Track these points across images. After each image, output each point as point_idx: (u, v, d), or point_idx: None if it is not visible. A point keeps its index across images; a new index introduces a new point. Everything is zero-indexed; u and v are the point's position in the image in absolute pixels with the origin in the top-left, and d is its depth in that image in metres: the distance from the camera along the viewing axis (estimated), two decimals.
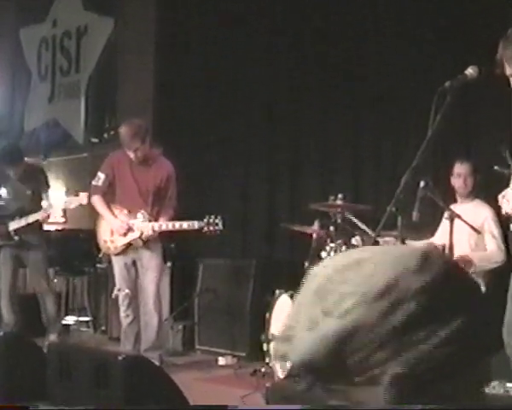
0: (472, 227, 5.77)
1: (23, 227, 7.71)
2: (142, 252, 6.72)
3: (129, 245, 6.71)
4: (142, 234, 6.63)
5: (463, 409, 1.25)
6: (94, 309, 9.23)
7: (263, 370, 6.31)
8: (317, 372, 1.25)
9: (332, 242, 6.04)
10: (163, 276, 7.19)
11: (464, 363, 1.24)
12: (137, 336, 6.77)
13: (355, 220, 6.06)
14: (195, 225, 6.48)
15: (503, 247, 6.02)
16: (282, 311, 6.35)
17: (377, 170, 7.56)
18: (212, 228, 6.46)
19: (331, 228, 6.11)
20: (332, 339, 1.22)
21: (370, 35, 7.65)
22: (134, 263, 6.78)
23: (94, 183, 6.86)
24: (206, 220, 6.45)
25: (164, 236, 6.84)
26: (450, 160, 6.47)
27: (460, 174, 6.32)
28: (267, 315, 6.47)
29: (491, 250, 6.14)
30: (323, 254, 6.07)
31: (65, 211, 9.65)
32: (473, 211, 6.17)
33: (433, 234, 6.43)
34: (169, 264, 7.88)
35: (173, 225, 6.58)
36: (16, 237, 7.74)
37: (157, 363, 5.87)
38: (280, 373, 6.23)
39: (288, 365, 1.36)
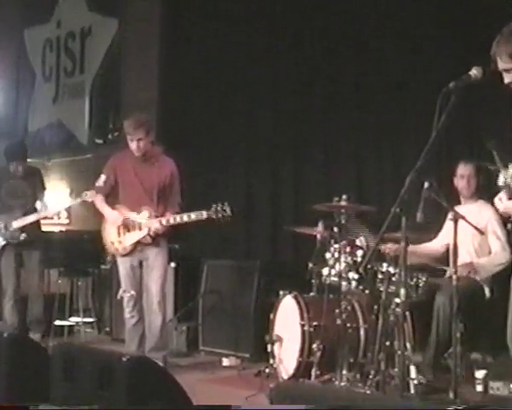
0: (476, 228, 5.77)
1: (25, 226, 7.74)
2: (148, 252, 6.72)
3: (137, 244, 6.70)
4: (150, 230, 6.62)
5: (463, 409, 1.26)
6: (98, 310, 9.24)
7: (267, 371, 6.32)
8: None
9: (336, 243, 6.04)
10: (167, 276, 7.18)
11: None
12: (142, 338, 6.77)
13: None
14: (204, 214, 6.44)
15: (507, 247, 6.02)
16: (286, 312, 6.36)
17: (381, 171, 7.55)
18: (220, 215, 6.44)
19: (335, 229, 6.10)
20: None
21: (373, 35, 7.63)
22: (140, 264, 6.77)
23: (96, 184, 6.90)
24: (213, 209, 6.43)
25: (169, 236, 6.83)
26: (454, 161, 6.47)
27: (463, 175, 6.32)
28: (271, 316, 6.48)
29: (495, 252, 6.14)
30: (327, 255, 6.07)
31: (69, 212, 9.71)
32: (476, 212, 6.16)
33: (436, 235, 6.43)
34: (173, 265, 7.88)
35: (181, 218, 6.55)
36: (23, 235, 7.76)
37: (161, 364, 5.87)
38: (284, 374, 6.24)
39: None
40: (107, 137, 10.85)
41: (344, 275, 5.93)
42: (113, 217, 6.74)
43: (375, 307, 5.83)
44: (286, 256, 8.19)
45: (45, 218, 8.02)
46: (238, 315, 7.52)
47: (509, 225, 3.97)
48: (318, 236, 6.30)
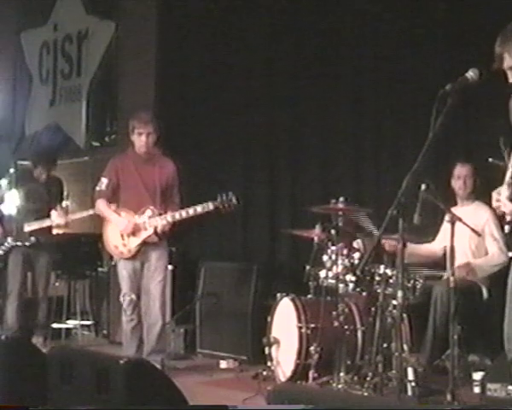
0: (473, 230, 5.78)
1: (36, 230, 7.78)
2: (151, 253, 6.70)
3: (143, 245, 6.69)
4: (156, 228, 6.61)
5: (463, 409, 1.26)
6: (96, 313, 9.23)
7: (264, 373, 6.32)
8: None
9: (333, 245, 6.04)
10: (167, 280, 7.18)
11: None
12: (140, 341, 6.76)
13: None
14: (210, 206, 6.40)
15: (504, 248, 6.03)
16: (284, 314, 6.36)
17: (378, 173, 7.55)
18: (227, 205, 6.42)
19: (332, 231, 6.10)
20: None
21: (371, 37, 7.63)
22: (142, 266, 6.76)
23: (97, 188, 6.85)
24: (219, 199, 6.41)
25: (168, 238, 6.82)
26: (450, 162, 6.48)
27: (460, 176, 6.33)
28: (269, 319, 6.48)
29: (492, 253, 6.15)
30: (325, 257, 6.08)
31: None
32: (473, 213, 6.17)
33: (434, 237, 6.43)
34: (171, 267, 7.87)
35: (187, 212, 6.53)
36: (32, 238, 7.80)
37: (159, 367, 5.87)
38: (281, 376, 6.24)
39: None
40: (104, 140, 10.87)
41: (341, 277, 5.93)
42: (122, 225, 6.67)
43: (373, 309, 5.83)
44: (283, 259, 8.19)
45: (58, 226, 8.00)
46: (236, 318, 7.52)
47: (506, 228, 3.95)
48: (316, 238, 6.29)
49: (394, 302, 5.31)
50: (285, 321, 6.30)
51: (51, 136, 11.24)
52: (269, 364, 6.35)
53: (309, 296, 6.37)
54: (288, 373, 6.16)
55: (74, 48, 11.16)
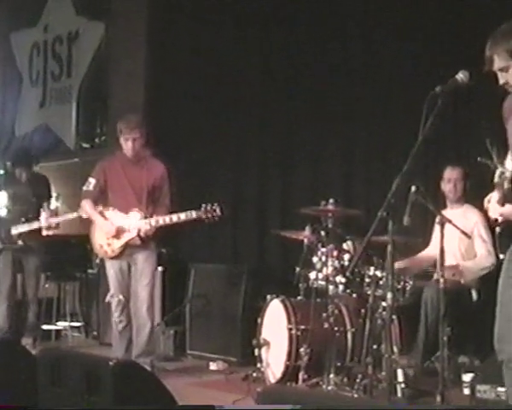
0: (463, 232, 5.79)
1: (25, 233, 7.76)
2: (137, 255, 6.70)
3: (126, 246, 6.68)
4: (139, 231, 6.61)
5: (463, 409, 1.26)
6: (85, 314, 9.21)
7: (254, 375, 6.32)
8: None
9: (323, 247, 6.05)
10: (155, 282, 7.16)
11: None
12: (130, 342, 6.75)
13: None
14: (193, 214, 6.41)
15: (492, 251, 6.04)
16: (274, 316, 6.36)
17: (368, 175, 7.56)
18: (210, 215, 6.41)
19: (322, 233, 6.11)
20: None
21: (361, 39, 7.65)
22: (129, 267, 6.75)
23: (84, 188, 6.85)
24: (203, 208, 6.41)
25: (157, 240, 6.81)
26: (440, 165, 6.49)
27: (450, 179, 6.35)
28: (259, 320, 6.48)
29: (480, 256, 6.17)
30: (315, 259, 6.08)
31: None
32: (463, 216, 6.19)
33: (423, 239, 6.43)
34: (160, 269, 7.86)
35: (170, 219, 6.52)
36: (20, 242, 7.78)
37: (148, 368, 5.86)
38: (271, 378, 6.24)
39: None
40: (94, 142, 10.87)
41: (331, 279, 5.93)
42: (106, 228, 6.67)
43: (363, 310, 5.85)
44: (273, 260, 8.19)
45: (49, 228, 7.93)
46: (225, 319, 7.52)
47: (497, 229, 3.96)
48: (305, 240, 6.29)
49: (384, 304, 5.32)
50: (275, 323, 6.30)
51: (41, 137, 11.23)
52: (259, 365, 6.35)
53: (299, 298, 6.36)
54: (278, 375, 6.16)
55: (64, 49, 11.14)
